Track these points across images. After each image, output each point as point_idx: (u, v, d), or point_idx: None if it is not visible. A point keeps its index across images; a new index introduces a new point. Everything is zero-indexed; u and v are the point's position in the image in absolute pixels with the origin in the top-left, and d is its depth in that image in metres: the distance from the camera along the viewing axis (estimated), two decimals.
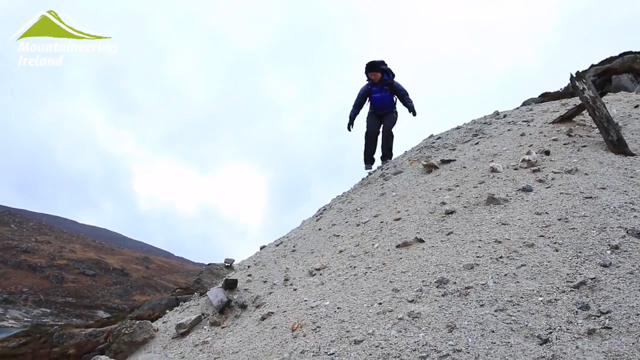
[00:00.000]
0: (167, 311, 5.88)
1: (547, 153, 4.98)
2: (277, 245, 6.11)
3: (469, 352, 2.16)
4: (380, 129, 8.55)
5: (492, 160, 5.23)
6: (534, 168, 4.60)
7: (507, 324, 2.29)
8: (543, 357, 2.01)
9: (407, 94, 8.39)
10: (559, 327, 2.18)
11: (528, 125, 6.46)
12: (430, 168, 5.89)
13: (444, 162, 5.90)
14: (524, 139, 5.80)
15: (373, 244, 4.23)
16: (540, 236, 3.16)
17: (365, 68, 8.46)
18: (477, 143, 6.32)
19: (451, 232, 3.73)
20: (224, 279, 4.62)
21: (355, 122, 8.45)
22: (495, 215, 3.74)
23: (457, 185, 4.88)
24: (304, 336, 2.90)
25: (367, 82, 8.53)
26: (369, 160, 8.65)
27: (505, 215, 3.68)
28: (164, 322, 4.88)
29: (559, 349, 2.04)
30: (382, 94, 8.40)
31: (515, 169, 4.75)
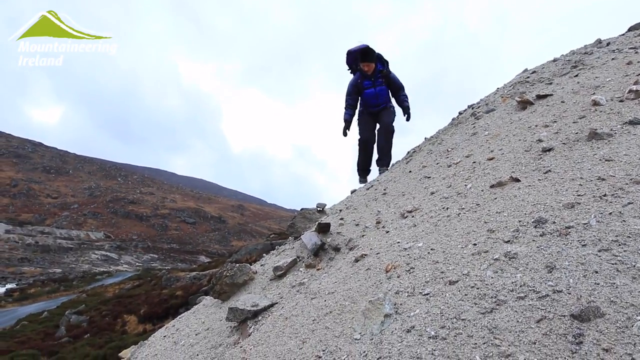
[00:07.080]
0: (264, 255, 6.20)
1: None
2: (368, 189, 6.17)
3: (570, 293, 2.09)
4: (376, 129, 7.58)
5: (593, 93, 4.87)
6: None
7: (612, 264, 2.18)
8: None
9: (403, 89, 7.48)
10: None
11: (636, 53, 5.90)
12: (524, 104, 5.60)
13: (539, 97, 5.57)
14: (631, 67, 5.31)
15: (466, 185, 4.15)
16: None
17: (354, 58, 7.41)
18: (576, 75, 5.89)
19: (549, 170, 3.56)
20: (317, 222, 4.77)
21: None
22: (598, 152, 3.51)
23: (555, 121, 4.61)
24: (398, 277, 2.96)
25: (355, 74, 7.44)
26: (364, 172, 7.76)
27: (610, 151, 3.44)
28: (262, 265, 5.16)
29: None
30: (376, 89, 7.33)
31: (621, 101, 4.39)
